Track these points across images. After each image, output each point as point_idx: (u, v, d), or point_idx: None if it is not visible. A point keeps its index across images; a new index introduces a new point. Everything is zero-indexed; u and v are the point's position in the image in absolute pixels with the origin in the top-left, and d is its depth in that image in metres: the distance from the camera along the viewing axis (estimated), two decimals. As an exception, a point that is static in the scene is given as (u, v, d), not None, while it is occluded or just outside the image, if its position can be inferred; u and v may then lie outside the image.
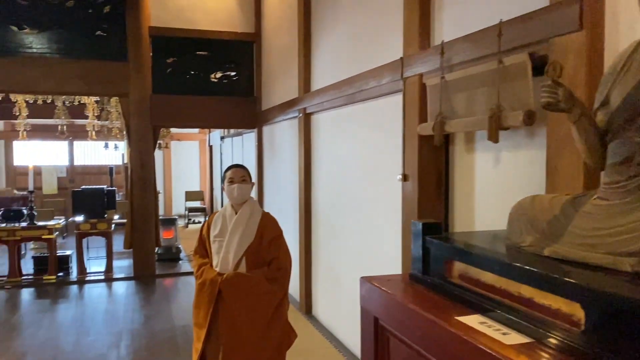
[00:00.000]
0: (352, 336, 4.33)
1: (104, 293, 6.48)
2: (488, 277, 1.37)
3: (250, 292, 2.79)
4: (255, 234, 2.88)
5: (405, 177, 3.24)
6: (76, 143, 13.90)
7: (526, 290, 1.24)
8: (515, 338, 1.19)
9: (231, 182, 2.92)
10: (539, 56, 2.23)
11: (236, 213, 2.92)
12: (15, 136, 11.64)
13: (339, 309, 4.59)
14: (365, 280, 1.73)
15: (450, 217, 3.07)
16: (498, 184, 2.71)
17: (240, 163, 3.49)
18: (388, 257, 3.61)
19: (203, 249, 3.02)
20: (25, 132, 10.30)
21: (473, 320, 1.32)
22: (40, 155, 13.71)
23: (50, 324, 5.18)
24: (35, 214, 6.93)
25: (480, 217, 2.82)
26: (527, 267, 1.24)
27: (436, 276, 1.58)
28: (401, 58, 3.26)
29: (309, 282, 5.35)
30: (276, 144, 6.70)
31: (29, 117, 9.97)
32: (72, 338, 4.78)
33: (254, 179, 8.22)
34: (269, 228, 2.93)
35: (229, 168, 3.04)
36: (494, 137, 2.41)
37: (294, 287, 5.61)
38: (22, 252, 8.43)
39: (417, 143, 3.10)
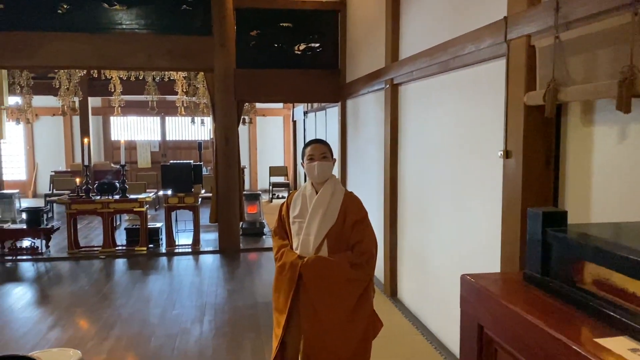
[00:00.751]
0: (439, 323, 4.03)
1: (190, 265, 6.60)
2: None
3: (332, 277, 2.58)
4: (337, 216, 2.64)
5: (507, 154, 2.86)
6: (167, 119, 14.38)
7: None
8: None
9: (311, 159, 2.70)
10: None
11: (317, 192, 2.70)
12: (112, 112, 12.22)
13: (426, 294, 4.30)
14: (468, 279, 1.44)
15: (560, 203, 2.66)
16: (624, 164, 2.27)
17: (322, 138, 3.26)
18: (483, 246, 3.26)
19: (282, 230, 2.83)
20: (119, 108, 10.71)
21: (620, 345, 1.00)
22: (135, 130, 14.34)
23: (138, 295, 5.31)
24: (127, 187, 7.15)
25: (599, 205, 2.40)
26: None
27: (561, 280, 1.26)
28: (505, 17, 2.85)
29: (394, 264, 5.08)
30: (360, 118, 6.42)
31: (122, 93, 10.34)
32: (158, 310, 4.86)
33: (336, 155, 8.03)
34: (352, 209, 2.67)
35: (308, 143, 2.80)
36: (625, 106, 1.99)
37: (379, 268, 5.37)
38: (117, 224, 8.86)
39: (522, 114, 2.70)
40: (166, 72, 9.34)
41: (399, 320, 4.50)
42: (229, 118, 7.06)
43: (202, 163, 11.09)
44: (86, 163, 7.16)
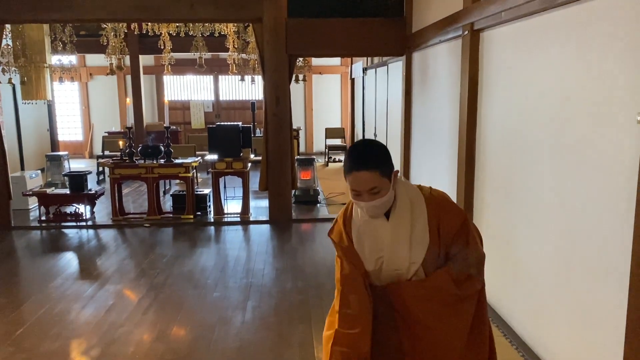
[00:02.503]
0: (533, 330, 3.27)
1: (238, 237, 6.07)
2: None
3: (432, 299, 1.83)
4: (429, 234, 1.83)
5: (655, 119, 2.01)
6: (221, 78, 13.86)
7: None
8: None
9: (357, 194, 1.75)
10: None
11: (387, 217, 1.84)
12: (164, 71, 11.80)
13: (516, 293, 3.53)
14: None
15: None
16: None
17: (371, 146, 1.78)
18: (602, 240, 2.44)
19: (353, 257, 1.91)
20: (170, 67, 10.21)
21: None
22: (189, 90, 13.92)
23: (179, 272, 4.83)
24: (172, 150, 6.65)
25: None
26: None
27: None
28: None
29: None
30: (429, 74, 5.54)
31: (173, 50, 9.81)
32: (198, 292, 4.35)
33: (399, 119, 7.16)
34: (446, 218, 1.84)
35: (349, 160, 1.74)
36: None
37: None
38: (167, 188, 8.47)
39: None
40: (216, 27, 8.69)
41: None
42: (280, 75, 6.35)
43: (252, 125, 10.58)
44: (129, 125, 6.69)
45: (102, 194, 6.91)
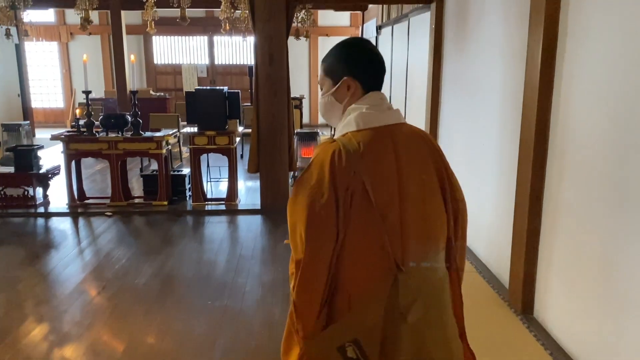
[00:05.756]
0: None
1: (218, 233, 4.81)
2: None
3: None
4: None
5: None
6: (216, 39, 12.42)
7: None
8: None
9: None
10: None
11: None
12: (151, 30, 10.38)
13: (621, 344, 2.25)
14: None
15: None
16: None
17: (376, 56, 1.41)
18: None
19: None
20: (156, 25, 8.80)
21: None
22: (181, 52, 12.52)
23: (131, 286, 3.58)
24: (140, 121, 5.34)
25: None
26: None
27: None
28: None
29: (531, 264, 3.03)
30: (469, 22, 4.17)
31: (159, 6, 8.39)
32: (149, 320, 3.10)
33: (424, 88, 5.68)
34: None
35: None
36: None
37: (497, 260, 3.34)
38: (146, 165, 7.18)
39: None
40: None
41: (533, 353, 2.53)
42: (275, 26, 4.99)
43: (250, 92, 9.19)
44: (87, 89, 5.36)
45: (57, 173, 5.65)
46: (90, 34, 12.20)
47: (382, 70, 1.41)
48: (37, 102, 12.16)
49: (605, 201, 2.35)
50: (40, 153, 5.59)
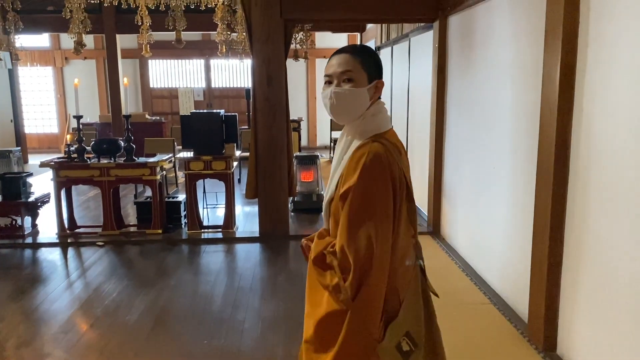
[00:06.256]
0: None
1: (215, 264, 4.56)
2: None
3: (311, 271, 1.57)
4: (338, 179, 1.51)
5: None
6: (213, 62, 12.31)
7: None
8: None
9: (328, 83, 1.52)
10: None
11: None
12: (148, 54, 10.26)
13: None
14: None
15: None
16: None
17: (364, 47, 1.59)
18: None
19: None
20: (152, 48, 8.67)
21: None
22: (177, 76, 12.39)
23: (122, 323, 3.33)
24: (134, 146, 5.14)
25: None
26: None
27: None
28: None
29: (554, 290, 2.80)
30: (476, 43, 4.01)
31: (155, 29, 8.26)
32: (141, 365, 2.85)
33: (429, 108, 5.49)
34: (348, 170, 1.45)
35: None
36: None
37: (517, 289, 3.10)
38: (141, 191, 6.96)
39: None
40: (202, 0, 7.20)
41: None
42: (273, 47, 4.83)
43: (248, 115, 9.02)
44: (79, 114, 5.16)
45: (47, 201, 5.42)
46: (85, 58, 12.12)
47: None
48: (32, 127, 11.99)
49: (636, 228, 2.14)
50: (31, 180, 5.38)
